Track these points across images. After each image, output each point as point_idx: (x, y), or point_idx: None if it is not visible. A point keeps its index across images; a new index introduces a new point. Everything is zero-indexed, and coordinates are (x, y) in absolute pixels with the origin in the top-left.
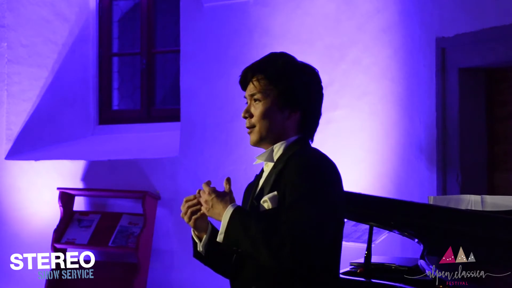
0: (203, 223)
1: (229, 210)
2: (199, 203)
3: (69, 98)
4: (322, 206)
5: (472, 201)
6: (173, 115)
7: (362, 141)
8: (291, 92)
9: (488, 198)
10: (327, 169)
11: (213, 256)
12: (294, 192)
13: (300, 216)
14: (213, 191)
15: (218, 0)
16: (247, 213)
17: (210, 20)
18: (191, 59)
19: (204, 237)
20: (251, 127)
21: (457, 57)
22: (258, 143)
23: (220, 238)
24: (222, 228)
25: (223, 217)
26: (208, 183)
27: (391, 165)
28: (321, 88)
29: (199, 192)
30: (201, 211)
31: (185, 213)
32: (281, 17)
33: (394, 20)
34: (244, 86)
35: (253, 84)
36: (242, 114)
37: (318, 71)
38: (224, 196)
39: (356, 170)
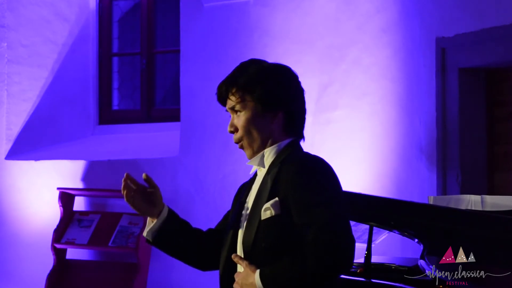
0: (147, 207)
1: (257, 278)
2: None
3: (69, 98)
4: (338, 204)
5: (472, 201)
6: (173, 115)
7: (362, 141)
8: (267, 95)
9: (488, 198)
10: (324, 169)
11: (166, 243)
12: (301, 194)
13: (325, 217)
14: (237, 277)
15: (218, 0)
16: (271, 267)
17: (210, 20)
18: (191, 59)
19: (154, 223)
20: (238, 141)
21: (457, 57)
22: (253, 156)
23: None
24: None
25: (257, 285)
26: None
27: (391, 165)
28: (298, 83)
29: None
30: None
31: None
32: (281, 17)
33: (394, 20)
34: (223, 102)
35: (230, 98)
36: (228, 129)
37: (291, 67)
38: (247, 272)
39: (356, 170)
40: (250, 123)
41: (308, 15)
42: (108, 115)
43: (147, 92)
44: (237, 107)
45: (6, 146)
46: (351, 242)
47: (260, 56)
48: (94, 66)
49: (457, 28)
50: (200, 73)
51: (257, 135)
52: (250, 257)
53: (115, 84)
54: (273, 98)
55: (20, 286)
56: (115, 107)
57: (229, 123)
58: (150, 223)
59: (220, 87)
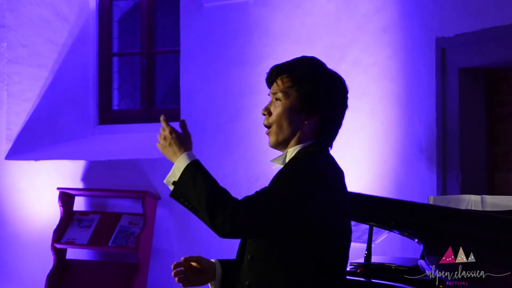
0: (202, 275)
1: (186, 158)
2: (185, 269)
3: (69, 98)
4: (280, 199)
5: (472, 201)
6: (173, 115)
7: (362, 141)
8: (311, 96)
9: (488, 198)
10: (309, 173)
11: None
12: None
13: (256, 197)
14: (175, 131)
15: (218, 0)
16: (204, 169)
17: (210, 20)
18: (191, 59)
19: (214, 283)
20: (268, 126)
21: (457, 57)
22: (276, 145)
23: (168, 180)
24: (173, 172)
25: (178, 160)
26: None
27: (391, 165)
28: (345, 98)
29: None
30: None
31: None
32: (281, 17)
33: (394, 20)
34: (269, 84)
35: (277, 83)
36: (262, 111)
37: (345, 81)
38: (186, 141)
39: (356, 170)
40: (285, 114)
41: (308, 15)
42: (108, 115)
43: (147, 92)
44: (279, 95)
45: (6, 146)
46: (250, 227)
47: (260, 56)
48: (94, 66)
49: (457, 28)
50: (200, 73)
51: (286, 128)
52: (246, 248)
53: (115, 84)
54: (315, 100)
55: (20, 286)
56: (115, 107)
57: (265, 106)
58: (212, 284)
59: (272, 69)
